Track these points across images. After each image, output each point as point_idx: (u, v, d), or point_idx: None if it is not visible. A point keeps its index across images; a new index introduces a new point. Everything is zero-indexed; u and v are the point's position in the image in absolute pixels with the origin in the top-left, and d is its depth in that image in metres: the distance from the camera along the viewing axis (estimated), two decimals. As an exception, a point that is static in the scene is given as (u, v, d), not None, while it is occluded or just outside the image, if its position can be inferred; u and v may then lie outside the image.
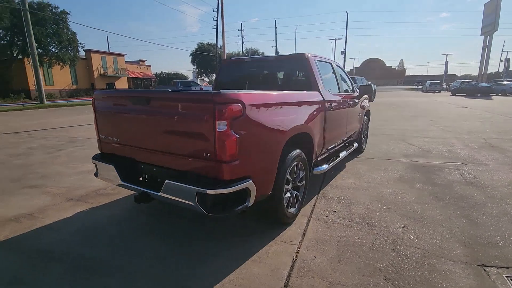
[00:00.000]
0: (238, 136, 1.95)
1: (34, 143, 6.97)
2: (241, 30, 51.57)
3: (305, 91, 3.21)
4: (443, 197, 3.40)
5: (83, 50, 33.46)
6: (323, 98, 3.35)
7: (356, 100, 4.81)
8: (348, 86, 4.80)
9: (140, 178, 2.64)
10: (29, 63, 24.99)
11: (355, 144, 5.03)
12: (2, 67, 25.79)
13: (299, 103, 2.81)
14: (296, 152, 2.69)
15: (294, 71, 3.65)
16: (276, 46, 50.06)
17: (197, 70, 57.82)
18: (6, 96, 24.61)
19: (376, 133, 7.65)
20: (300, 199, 2.95)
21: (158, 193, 2.19)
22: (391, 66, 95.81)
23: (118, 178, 2.48)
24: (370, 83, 18.13)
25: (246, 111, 1.99)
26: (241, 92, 2.04)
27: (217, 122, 1.88)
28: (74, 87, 33.72)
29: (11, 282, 2.02)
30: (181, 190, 2.04)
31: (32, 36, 18.61)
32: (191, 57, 54.59)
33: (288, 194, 2.73)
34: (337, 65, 4.42)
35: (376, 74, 76.12)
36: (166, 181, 2.10)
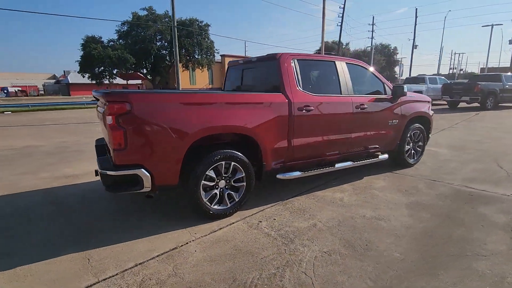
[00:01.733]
0: (124, 129, 2.33)
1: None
2: (372, 24, 47.57)
3: (247, 93, 3.18)
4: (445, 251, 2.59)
5: (220, 55, 39.65)
6: (290, 100, 3.16)
7: (383, 104, 4.06)
8: (377, 87, 4.12)
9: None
10: (182, 69, 32.35)
11: (383, 156, 4.24)
12: (163, 71, 34.02)
13: (230, 103, 2.85)
14: (224, 152, 2.78)
15: (267, 72, 3.54)
16: (414, 39, 43.49)
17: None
18: (163, 93, 32.54)
19: (472, 147, 5.94)
20: (236, 199, 2.99)
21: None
22: None
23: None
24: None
25: (134, 109, 2.34)
26: (131, 93, 2.40)
27: (106, 116, 2.33)
28: (210, 86, 40.58)
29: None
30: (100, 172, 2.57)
31: (177, 46, 23.73)
32: (314, 56, 54.81)
33: (214, 191, 2.85)
34: (350, 64, 3.89)
35: None
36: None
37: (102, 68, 30.10)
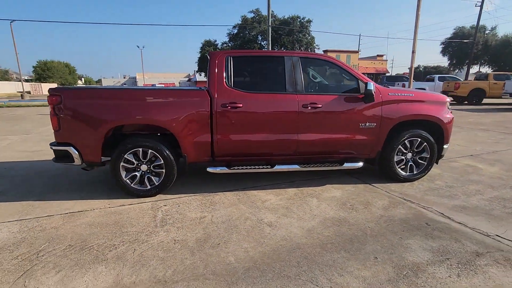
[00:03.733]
0: (57, 116, 3.13)
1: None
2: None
3: (170, 88, 3.49)
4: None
5: (322, 50, 38.72)
6: (212, 97, 3.29)
7: (350, 103, 3.53)
8: (349, 85, 3.62)
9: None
10: None
11: (352, 164, 3.69)
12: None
13: (148, 99, 3.26)
14: (136, 140, 3.25)
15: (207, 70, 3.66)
16: None
17: (448, 62, 47.91)
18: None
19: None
20: (156, 183, 3.39)
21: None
22: None
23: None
24: None
25: (63, 101, 3.10)
26: (64, 88, 3.16)
27: (49, 105, 3.18)
28: (311, 82, 40.31)
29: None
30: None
31: (270, 44, 24.88)
32: (441, 46, 45.96)
33: (135, 173, 3.35)
34: (308, 59, 3.57)
35: None
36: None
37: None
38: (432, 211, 3.01)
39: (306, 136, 3.54)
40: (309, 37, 33.15)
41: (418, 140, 3.76)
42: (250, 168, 3.51)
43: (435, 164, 3.93)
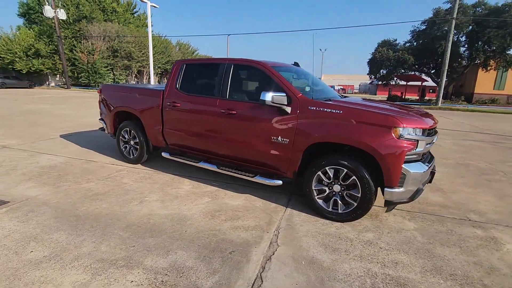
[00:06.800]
0: (100, 102, 5.11)
1: None
2: None
3: (140, 86, 4.58)
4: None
5: None
6: (163, 96, 4.16)
7: (264, 113, 3.30)
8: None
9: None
10: (482, 69, 25.87)
11: (270, 180, 3.35)
12: (454, 72, 28.76)
13: (128, 94, 4.58)
14: (125, 122, 4.69)
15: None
16: None
17: None
18: (447, 98, 27.94)
19: None
20: (135, 155, 4.72)
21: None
22: None
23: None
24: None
25: (102, 93, 5.01)
26: (103, 85, 5.04)
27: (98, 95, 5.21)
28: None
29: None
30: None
31: (449, 42, 19.63)
32: None
33: (127, 145, 4.83)
34: (240, 65, 3.60)
35: None
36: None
37: (387, 70, 31.62)
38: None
39: (223, 140, 3.67)
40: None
41: (344, 170, 2.89)
42: (184, 159, 4.10)
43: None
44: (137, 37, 30.81)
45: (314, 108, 3.03)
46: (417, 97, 32.70)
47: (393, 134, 2.67)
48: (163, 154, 4.37)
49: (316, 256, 2.42)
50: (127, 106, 4.63)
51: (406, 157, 2.70)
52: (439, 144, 7.47)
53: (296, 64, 4.53)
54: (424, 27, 28.50)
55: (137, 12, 37.79)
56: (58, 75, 31.21)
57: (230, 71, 3.67)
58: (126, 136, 4.80)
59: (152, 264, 2.24)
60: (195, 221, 2.97)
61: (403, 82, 33.54)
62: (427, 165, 2.96)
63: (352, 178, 2.86)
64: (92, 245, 2.46)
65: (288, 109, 3.13)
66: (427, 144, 2.91)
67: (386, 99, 32.51)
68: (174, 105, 4.04)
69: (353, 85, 66.23)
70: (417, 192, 2.82)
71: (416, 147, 2.74)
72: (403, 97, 31.57)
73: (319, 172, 3.04)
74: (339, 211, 3.00)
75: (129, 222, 2.90)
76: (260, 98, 3.06)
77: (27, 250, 2.37)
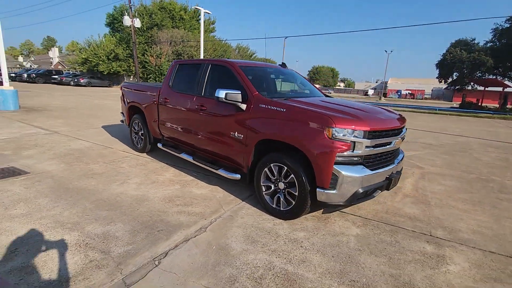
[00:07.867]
0: (121, 98, 5.92)
1: None
2: None
3: (147, 84, 5.12)
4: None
5: None
6: (158, 92, 4.68)
7: (224, 109, 3.52)
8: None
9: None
10: None
11: (230, 174, 3.57)
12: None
13: (138, 91, 5.19)
14: (135, 116, 5.37)
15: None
16: None
17: None
18: None
19: None
20: (141, 144, 5.37)
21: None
22: None
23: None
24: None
25: (122, 90, 5.80)
26: (123, 84, 5.81)
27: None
28: None
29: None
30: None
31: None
32: None
33: (136, 136, 5.52)
34: (215, 65, 3.87)
35: None
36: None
37: (460, 73, 27.98)
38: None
39: (199, 133, 3.99)
40: None
41: (284, 168, 2.92)
42: (171, 150, 4.54)
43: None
44: (198, 41, 33.25)
45: (264, 106, 3.12)
46: (497, 105, 27.90)
47: (326, 134, 2.62)
48: (158, 145, 4.89)
49: (231, 245, 2.55)
50: (136, 102, 5.30)
51: (340, 158, 2.62)
52: (478, 157, 6.53)
53: (283, 65, 4.59)
54: (508, 25, 24.37)
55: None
56: (131, 76, 35.63)
57: (208, 70, 3.97)
58: (136, 128, 5.49)
59: (90, 230, 2.68)
60: (152, 202, 3.34)
61: (481, 88, 29.20)
62: (376, 170, 2.80)
63: (291, 176, 2.87)
64: (59, 210, 3.02)
65: (243, 106, 3.29)
66: (372, 146, 2.75)
67: (458, 105, 28.69)
68: (165, 101, 4.52)
69: (424, 90, 59.86)
70: (355, 196, 2.69)
71: (353, 149, 2.63)
72: (480, 104, 27.38)
73: (266, 169, 3.12)
74: (281, 208, 3.04)
75: (101, 197, 3.42)
76: (215, 95, 3.28)
77: (15, 207, 3.04)
